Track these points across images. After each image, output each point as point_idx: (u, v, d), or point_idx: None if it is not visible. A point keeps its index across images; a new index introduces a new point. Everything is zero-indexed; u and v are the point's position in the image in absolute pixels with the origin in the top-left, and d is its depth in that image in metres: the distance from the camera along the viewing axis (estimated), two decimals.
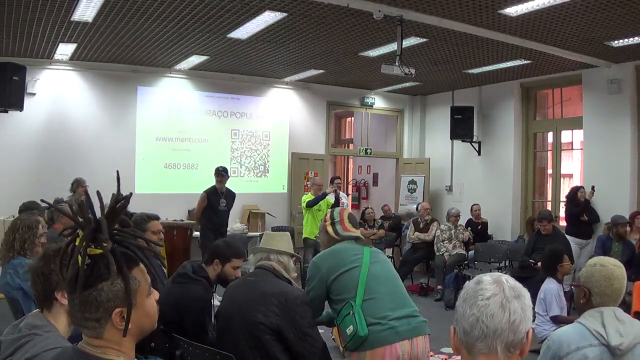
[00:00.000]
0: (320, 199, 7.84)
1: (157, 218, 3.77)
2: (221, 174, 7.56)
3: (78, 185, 7.08)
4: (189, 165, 9.10)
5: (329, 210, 3.32)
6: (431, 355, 2.96)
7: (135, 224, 3.40)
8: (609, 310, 2.15)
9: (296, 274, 3.05)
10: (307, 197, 8.09)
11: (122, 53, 7.72)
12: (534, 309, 1.36)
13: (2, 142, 7.74)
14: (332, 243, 3.00)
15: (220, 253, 3.22)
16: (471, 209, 8.92)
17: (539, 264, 6.62)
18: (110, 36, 6.79)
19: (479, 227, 8.79)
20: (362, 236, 3.04)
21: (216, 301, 6.52)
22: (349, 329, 2.62)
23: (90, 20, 6.03)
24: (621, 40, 6.36)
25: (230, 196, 7.65)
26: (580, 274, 2.33)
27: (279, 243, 2.96)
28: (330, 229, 3.03)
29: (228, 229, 8.13)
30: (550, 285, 4.81)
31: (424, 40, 6.65)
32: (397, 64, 6.07)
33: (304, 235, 7.92)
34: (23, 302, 3.06)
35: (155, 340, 2.81)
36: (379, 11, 5.47)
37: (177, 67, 8.64)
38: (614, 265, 2.25)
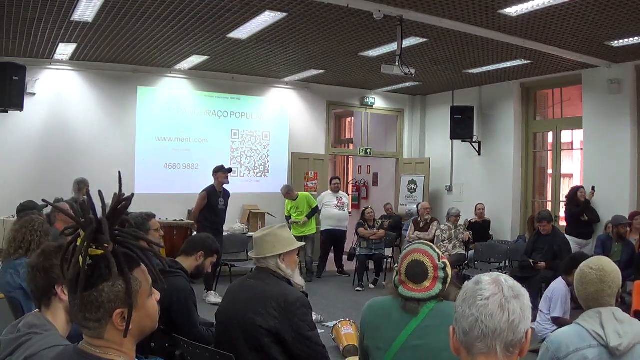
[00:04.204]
0: None
1: (154, 216, 3.80)
2: (227, 172, 7.52)
3: (85, 185, 7.15)
4: (189, 165, 9.10)
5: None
6: None
7: (137, 224, 3.41)
8: (608, 310, 2.13)
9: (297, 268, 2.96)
10: (288, 204, 8.84)
11: (122, 53, 7.73)
12: (533, 309, 1.36)
13: (2, 142, 7.74)
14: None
15: (206, 246, 3.33)
16: (475, 208, 8.96)
17: (541, 263, 6.64)
18: (110, 36, 6.79)
19: (480, 223, 8.84)
20: (415, 296, 2.11)
21: (217, 299, 6.54)
22: None
23: (90, 20, 6.04)
24: (621, 40, 6.36)
25: (227, 195, 7.64)
26: None
27: (281, 245, 2.82)
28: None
29: (227, 228, 8.14)
30: (559, 286, 4.79)
31: (424, 40, 6.66)
32: (397, 64, 6.07)
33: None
34: (24, 302, 3.07)
35: (155, 340, 2.82)
36: (379, 11, 5.47)
37: (177, 67, 8.64)
38: (590, 269, 2.19)
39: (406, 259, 2.17)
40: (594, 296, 2.16)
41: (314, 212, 8.79)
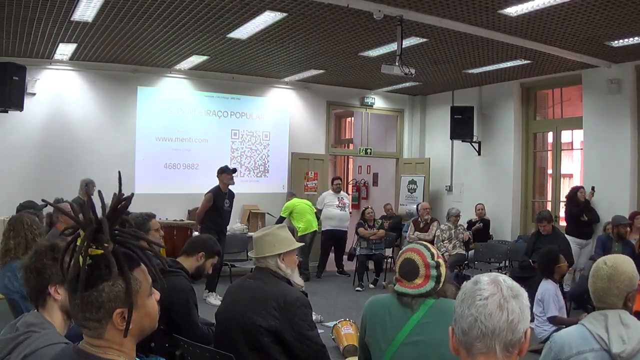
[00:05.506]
0: None
1: (154, 216, 3.80)
2: (231, 172, 7.47)
3: (92, 186, 7.22)
4: (189, 165, 9.10)
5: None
6: None
7: (137, 224, 3.41)
8: (614, 313, 2.09)
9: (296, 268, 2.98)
10: (289, 204, 8.89)
11: (122, 53, 7.73)
12: (532, 309, 1.36)
13: (2, 142, 7.74)
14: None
15: (207, 247, 3.34)
16: (475, 208, 8.97)
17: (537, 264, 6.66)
18: (110, 36, 6.80)
19: (480, 221, 8.85)
20: (407, 292, 2.17)
21: (217, 301, 6.55)
22: None
23: (90, 20, 6.04)
24: (621, 40, 6.36)
25: (232, 196, 7.62)
26: None
27: (281, 244, 2.84)
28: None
29: (227, 228, 8.12)
30: (547, 286, 4.81)
31: (424, 40, 6.66)
32: (397, 64, 6.07)
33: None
34: (22, 303, 3.06)
35: (155, 340, 2.82)
36: (379, 11, 5.47)
37: (177, 67, 8.64)
38: (604, 264, 2.18)
39: (400, 258, 2.25)
40: (599, 292, 2.14)
41: (278, 220, 8.71)
